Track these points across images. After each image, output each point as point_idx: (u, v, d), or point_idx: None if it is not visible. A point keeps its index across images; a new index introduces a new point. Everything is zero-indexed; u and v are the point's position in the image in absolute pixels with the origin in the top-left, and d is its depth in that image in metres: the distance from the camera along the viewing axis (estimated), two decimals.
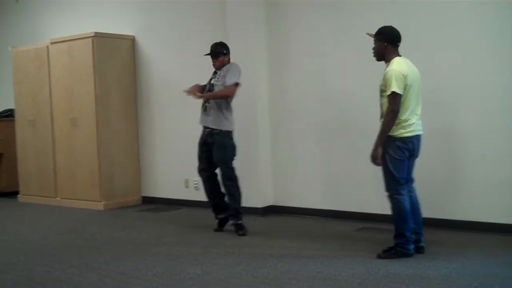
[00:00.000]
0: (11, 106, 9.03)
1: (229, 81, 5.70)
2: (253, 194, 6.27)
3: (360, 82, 6.06)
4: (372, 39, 4.82)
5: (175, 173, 7.74)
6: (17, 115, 8.77)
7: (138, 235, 5.94)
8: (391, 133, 4.60)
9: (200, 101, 5.90)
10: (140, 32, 8.04)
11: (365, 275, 4.19)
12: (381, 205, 5.40)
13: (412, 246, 4.69)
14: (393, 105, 4.53)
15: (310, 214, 6.54)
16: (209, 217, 6.05)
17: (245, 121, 6.37)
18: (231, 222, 5.84)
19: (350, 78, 6.14)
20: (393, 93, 4.50)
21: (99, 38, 7.62)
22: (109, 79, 7.74)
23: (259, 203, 6.66)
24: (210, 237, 5.72)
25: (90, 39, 7.59)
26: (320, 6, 6.39)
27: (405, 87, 4.54)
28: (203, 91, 5.84)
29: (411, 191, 4.83)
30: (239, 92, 5.86)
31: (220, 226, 5.95)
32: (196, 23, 7.43)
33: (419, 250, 4.78)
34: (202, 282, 4.18)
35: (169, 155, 7.83)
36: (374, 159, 4.67)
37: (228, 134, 5.76)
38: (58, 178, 8.19)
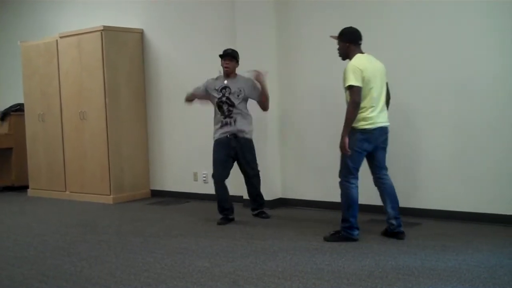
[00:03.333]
0: (21, 100, 9.07)
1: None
2: (262, 187, 6.28)
3: None
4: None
5: (184, 166, 7.75)
6: (26, 109, 8.81)
7: (147, 228, 5.96)
8: (353, 125, 4.77)
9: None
10: (149, 25, 8.04)
11: (374, 267, 4.19)
12: None
13: (356, 232, 4.92)
14: (353, 96, 4.72)
15: (318, 206, 6.53)
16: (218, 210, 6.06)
17: (253, 116, 6.35)
18: (257, 211, 6.25)
19: None
20: (350, 86, 4.69)
21: (108, 32, 7.63)
22: (118, 73, 7.75)
23: (268, 196, 6.65)
24: (219, 230, 5.73)
25: (99, 33, 7.61)
26: (330, 0, 6.36)
27: (363, 80, 4.70)
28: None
29: (384, 179, 5.01)
30: None
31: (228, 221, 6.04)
32: (204, 17, 7.41)
33: (399, 235, 4.93)
34: (210, 274, 4.19)
35: (178, 148, 7.84)
36: (342, 149, 4.83)
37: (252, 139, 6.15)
38: (67, 172, 8.23)
